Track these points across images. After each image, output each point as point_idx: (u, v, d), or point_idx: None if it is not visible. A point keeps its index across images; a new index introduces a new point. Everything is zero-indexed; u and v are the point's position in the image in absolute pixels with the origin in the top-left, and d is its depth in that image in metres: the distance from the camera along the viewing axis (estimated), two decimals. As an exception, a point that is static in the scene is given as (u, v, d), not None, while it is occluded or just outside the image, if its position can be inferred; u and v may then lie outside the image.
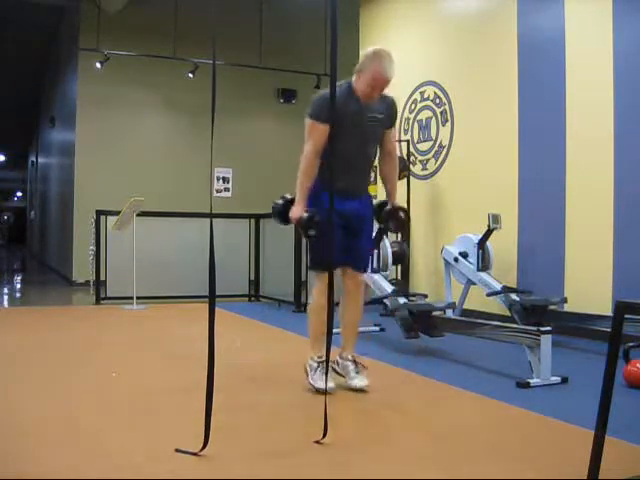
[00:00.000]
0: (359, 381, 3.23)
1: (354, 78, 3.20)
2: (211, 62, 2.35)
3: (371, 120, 3.22)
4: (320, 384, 3.09)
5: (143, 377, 3.63)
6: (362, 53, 3.20)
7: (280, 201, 3.28)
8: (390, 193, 3.44)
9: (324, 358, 3.18)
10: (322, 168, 3.15)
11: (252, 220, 8.21)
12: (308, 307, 3.39)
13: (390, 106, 3.35)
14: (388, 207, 3.38)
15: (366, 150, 3.28)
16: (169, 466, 2.18)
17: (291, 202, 3.19)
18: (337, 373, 3.32)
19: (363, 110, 3.18)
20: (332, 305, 2.57)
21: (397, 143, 7.24)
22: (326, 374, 2.71)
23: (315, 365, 3.22)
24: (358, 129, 3.16)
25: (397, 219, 3.36)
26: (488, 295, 5.25)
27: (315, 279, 3.31)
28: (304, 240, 5.66)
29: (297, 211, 3.13)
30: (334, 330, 2.65)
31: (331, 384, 3.01)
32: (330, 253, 2.75)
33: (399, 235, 6.90)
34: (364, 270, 3.43)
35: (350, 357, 3.31)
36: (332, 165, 2.92)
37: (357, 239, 3.29)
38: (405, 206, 6.83)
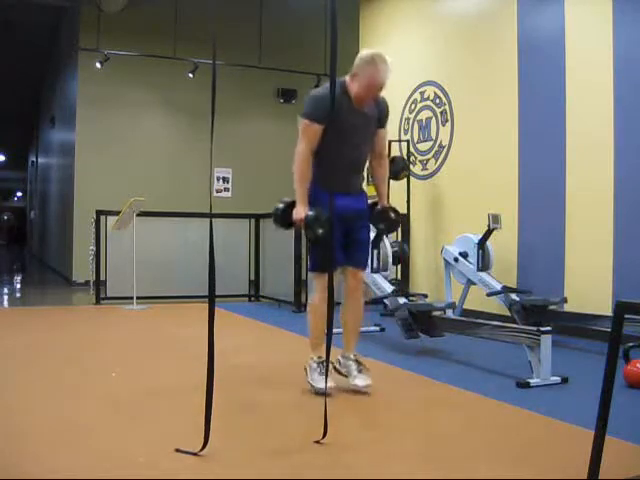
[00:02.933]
0: (361, 380, 3.21)
1: (347, 78, 3.19)
2: (211, 62, 2.35)
3: (363, 119, 3.22)
4: (320, 384, 3.09)
5: (143, 377, 3.63)
6: (359, 56, 3.18)
7: (280, 205, 3.21)
8: (381, 194, 3.44)
9: (324, 358, 3.19)
10: (315, 168, 3.16)
11: (252, 220, 8.21)
12: (308, 307, 3.38)
13: (381, 106, 3.33)
14: (378, 208, 3.39)
15: (359, 148, 3.28)
16: (169, 466, 2.18)
17: (292, 205, 3.15)
18: (339, 373, 3.31)
19: (355, 109, 3.18)
20: (332, 304, 2.57)
21: (397, 143, 7.24)
22: (326, 374, 2.71)
23: (315, 365, 3.22)
24: (351, 128, 3.16)
25: (388, 220, 3.35)
26: (488, 295, 5.25)
27: (315, 279, 3.30)
28: (304, 240, 5.66)
29: (300, 211, 3.10)
30: (335, 330, 2.65)
31: (331, 383, 3.01)
32: (331, 253, 2.74)
33: (399, 235, 6.91)
34: (364, 267, 3.43)
35: (352, 356, 3.30)
36: (333, 166, 2.93)
37: (356, 235, 3.28)
38: (400, 207, 6.82)
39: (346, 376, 3.28)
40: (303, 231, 3.14)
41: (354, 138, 3.20)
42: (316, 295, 3.26)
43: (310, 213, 3.04)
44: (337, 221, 2.99)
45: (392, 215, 3.37)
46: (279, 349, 4.67)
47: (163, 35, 9.67)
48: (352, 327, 3.36)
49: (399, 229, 6.90)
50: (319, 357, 3.22)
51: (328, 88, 2.93)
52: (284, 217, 3.16)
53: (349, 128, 3.14)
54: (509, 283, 5.43)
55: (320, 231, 3.01)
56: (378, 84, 3.11)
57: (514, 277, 5.71)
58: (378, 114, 3.30)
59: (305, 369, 3.27)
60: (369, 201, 3.46)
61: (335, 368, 3.30)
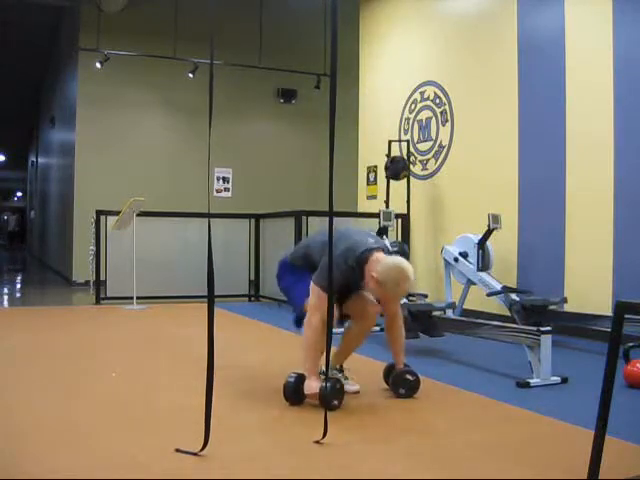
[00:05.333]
0: (351, 386, 3.24)
1: (371, 270, 2.91)
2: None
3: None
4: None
5: (143, 377, 3.63)
6: (387, 267, 2.87)
7: (291, 380, 3.02)
8: (397, 356, 3.28)
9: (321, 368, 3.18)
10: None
11: (252, 220, 8.21)
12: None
13: None
14: (396, 372, 3.24)
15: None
16: (169, 466, 2.18)
17: (301, 379, 2.99)
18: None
19: (362, 285, 3.08)
20: (332, 303, 2.57)
21: (397, 143, 7.23)
22: (326, 374, 2.71)
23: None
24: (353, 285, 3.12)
25: (406, 383, 3.20)
26: (488, 295, 5.25)
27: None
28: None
29: (313, 386, 2.91)
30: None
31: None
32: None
33: (399, 235, 6.91)
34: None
35: (338, 366, 3.30)
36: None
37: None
38: (400, 207, 6.80)
39: None
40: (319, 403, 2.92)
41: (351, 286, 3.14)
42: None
43: (326, 385, 2.86)
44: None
45: (410, 378, 3.22)
46: (279, 349, 4.66)
47: (163, 35, 9.67)
48: (348, 350, 3.32)
49: (399, 229, 6.94)
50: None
51: (344, 264, 2.89)
52: (296, 393, 2.99)
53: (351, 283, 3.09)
54: (509, 283, 5.43)
55: (336, 402, 2.89)
56: (399, 298, 3.10)
57: (514, 277, 5.71)
58: None
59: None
60: (386, 364, 3.36)
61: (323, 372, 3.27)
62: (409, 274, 2.88)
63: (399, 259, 2.95)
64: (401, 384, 3.19)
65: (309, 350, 2.97)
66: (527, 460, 2.30)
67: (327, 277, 2.60)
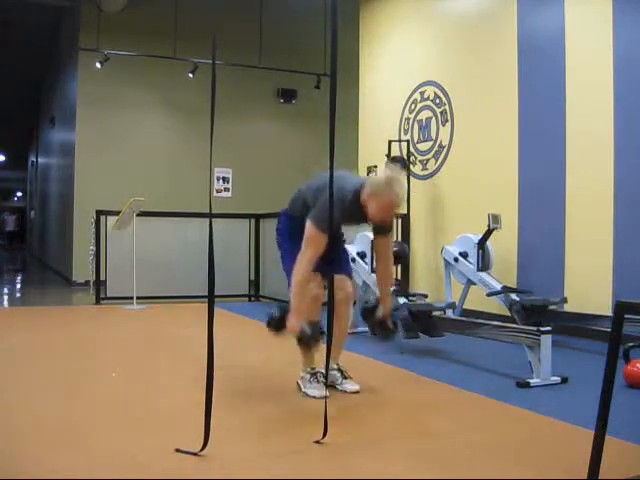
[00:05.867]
0: (350, 386, 3.25)
1: (364, 194, 3.05)
2: (211, 62, 2.35)
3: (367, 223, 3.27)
4: (315, 392, 3.13)
5: (143, 377, 3.63)
6: (374, 179, 3.08)
7: (275, 312, 3.14)
8: (383, 298, 3.37)
9: (317, 369, 3.20)
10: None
11: (252, 220, 8.22)
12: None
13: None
14: (379, 316, 3.31)
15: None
16: (169, 466, 2.18)
17: (286, 311, 3.06)
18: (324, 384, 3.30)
19: (362, 216, 3.14)
20: (332, 304, 2.57)
21: (397, 143, 7.24)
22: (326, 374, 2.71)
23: (308, 377, 3.22)
24: (353, 221, 3.23)
25: (385, 329, 3.30)
26: (488, 295, 5.25)
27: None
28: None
29: (294, 323, 3.00)
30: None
31: (325, 392, 3.00)
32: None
33: (399, 235, 6.91)
34: (349, 274, 3.39)
35: (335, 366, 3.30)
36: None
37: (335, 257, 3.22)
38: (399, 207, 6.81)
39: (332, 385, 3.27)
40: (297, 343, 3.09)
41: (352, 222, 3.26)
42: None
43: (305, 329, 2.95)
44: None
45: (390, 326, 3.31)
46: (279, 349, 4.65)
47: (163, 35, 9.67)
48: (337, 338, 3.32)
49: (399, 229, 6.93)
50: (312, 368, 3.23)
51: (343, 196, 2.95)
52: (278, 324, 3.09)
53: (352, 220, 3.21)
54: (509, 283, 5.42)
55: (314, 343, 2.99)
56: (395, 207, 3.11)
57: (514, 277, 5.71)
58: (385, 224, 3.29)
59: (298, 383, 3.27)
60: (370, 303, 3.41)
61: (320, 381, 3.25)
62: (399, 177, 3.06)
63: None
64: (380, 329, 3.32)
65: (297, 286, 3.04)
66: (527, 460, 2.30)
67: (326, 218, 2.77)
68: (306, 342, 3.00)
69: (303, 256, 3.03)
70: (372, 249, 3.45)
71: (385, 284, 3.41)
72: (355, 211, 3.08)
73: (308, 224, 3.03)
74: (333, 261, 3.10)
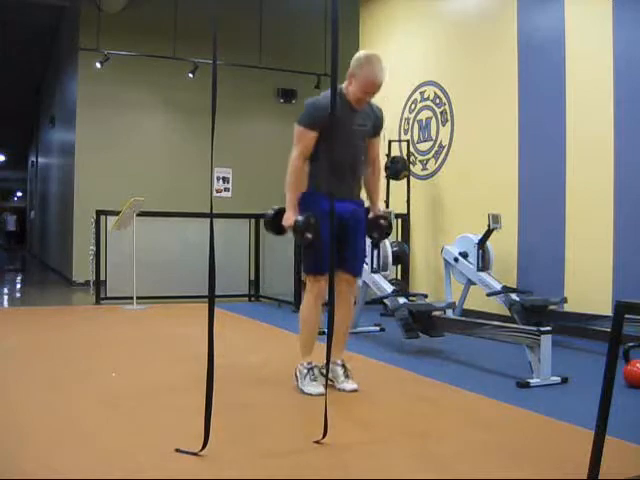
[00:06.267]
0: (349, 385, 3.24)
1: (345, 84, 3.22)
2: (211, 62, 2.35)
3: (360, 126, 3.25)
4: (310, 389, 3.13)
5: (143, 377, 3.62)
6: (355, 57, 3.21)
7: (270, 212, 3.22)
8: (373, 202, 3.44)
9: (314, 364, 3.20)
10: (313, 172, 3.18)
11: (252, 220, 8.21)
12: (300, 312, 3.33)
13: (377, 114, 3.38)
14: (370, 215, 3.39)
15: (356, 155, 3.29)
16: (169, 466, 2.18)
17: (282, 211, 3.14)
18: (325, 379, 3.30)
19: (352, 116, 3.20)
20: (333, 303, 2.57)
21: (397, 143, 7.24)
22: (326, 374, 2.71)
23: (305, 371, 3.22)
24: (347, 134, 3.18)
25: (379, 227, 3.35)
26: (488, 295, 5.25)
27: (309, 282, 3.26)
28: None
29: (290, 217, 3.11)
30: (322, 329, 2.65)
31: (321, 389, 3.01)
32: (331, 254, 2.71)
33: (399, 235, 6.91)
34: (359, 274, 3.40)
35: (339, 362, 3.29)
36: (333, 169, 2.92)
37: (351, 241, 3.25)
38: (400, 207, 6.82)
39: (332, 381, 3.27)
40: (294, 236, 3.13)
41: (353, 139, 3.22)
42: (309, 299, 3.24)
43: (299, 218, 3.04)
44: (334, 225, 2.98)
45: (383, 223, 3.37)
46: (279, 349, 4.66)
47: (163, 35, 9.67)
48: (339, 332, 3.27)
49: (399, 229, 6.93)
50: (309, 363, 3.24)
51: (325, 96, 2.97)
52: (274, 223, 3.18)
53: (348, 131, 3.17)
54: (509, 283, 5.43)
55: (309, 235, 3.01)
56: (376, 83, 3.13)
57: (514, 277, 5.71)
58: (374, 121, 3.32)
59: (295, 375, 3.27)
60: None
61: (322, 373, 3.26)
62: (374, 53, 3.23)
63: None
64: (374, 229, 3.40)
65: (289, 185, 3.18)
66: (527, 460, 2.30)
67: (312, 114, 3.07)
68: (300, 232, 3.03)
69: (293, 153, 3.18)
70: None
71: (374, 190, 3.47)
72: (346, 112, 3.15)
73: (295, 126, 3.17)
74: (344, 251, 3.16)
